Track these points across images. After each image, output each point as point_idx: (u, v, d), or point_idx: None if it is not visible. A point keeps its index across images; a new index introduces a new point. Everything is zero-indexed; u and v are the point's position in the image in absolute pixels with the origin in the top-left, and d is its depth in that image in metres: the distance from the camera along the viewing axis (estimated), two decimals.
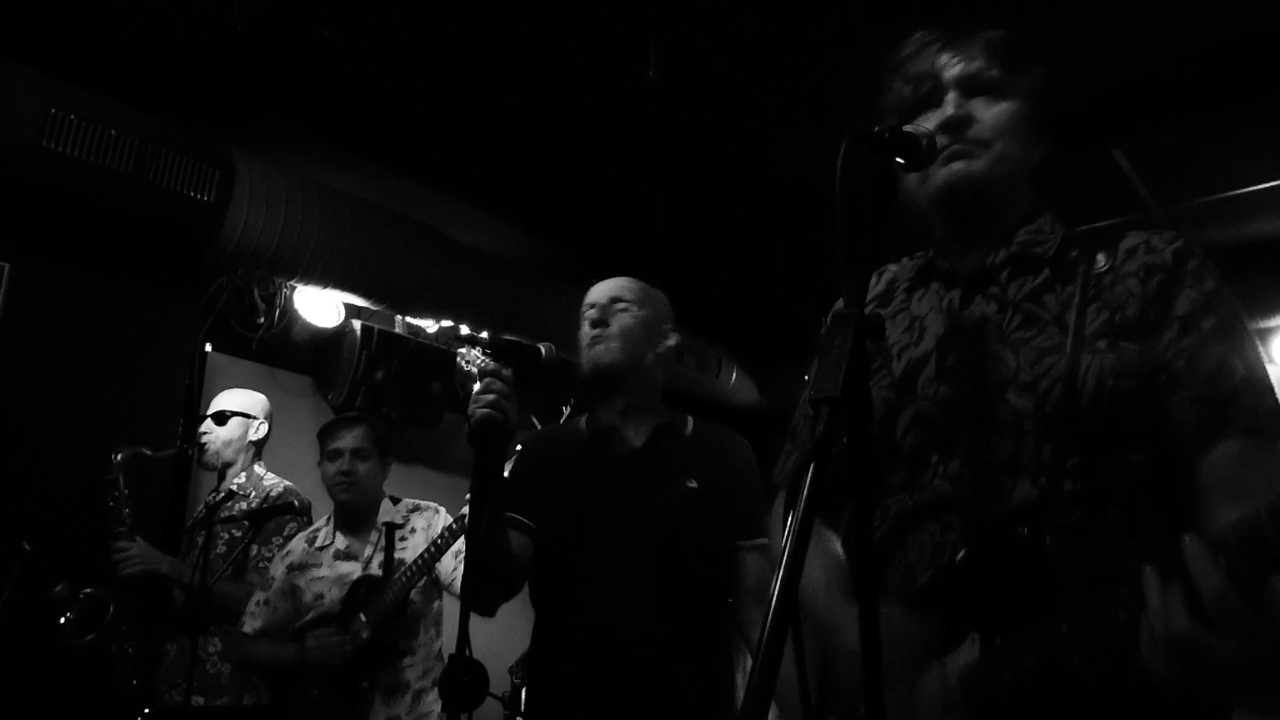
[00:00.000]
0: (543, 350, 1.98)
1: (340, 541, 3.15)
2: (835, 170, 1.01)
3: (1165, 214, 3.98)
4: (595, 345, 2.17)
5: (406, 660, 3.04)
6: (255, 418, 3.51)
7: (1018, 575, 1.13)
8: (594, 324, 2.19)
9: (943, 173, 1.29)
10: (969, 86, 1.30)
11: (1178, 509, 1.16)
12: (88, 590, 3.03)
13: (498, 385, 1.87)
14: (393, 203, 4.08)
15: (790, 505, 0.85)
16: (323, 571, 3.10)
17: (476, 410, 1.86)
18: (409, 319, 4.54)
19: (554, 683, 2.09)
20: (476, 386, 1.89)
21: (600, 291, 2.25)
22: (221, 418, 3.43)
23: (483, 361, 1.91)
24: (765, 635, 0.78)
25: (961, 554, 1.17)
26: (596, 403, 2.24)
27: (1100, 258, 1.27)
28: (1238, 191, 3.81)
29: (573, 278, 4.92)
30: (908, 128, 1.08)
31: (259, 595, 3.13)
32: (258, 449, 3.52)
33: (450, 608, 2.94)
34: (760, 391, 6.08)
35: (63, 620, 2.98)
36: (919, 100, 1.32)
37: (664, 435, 2.19)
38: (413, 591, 3.02)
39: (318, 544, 3.17)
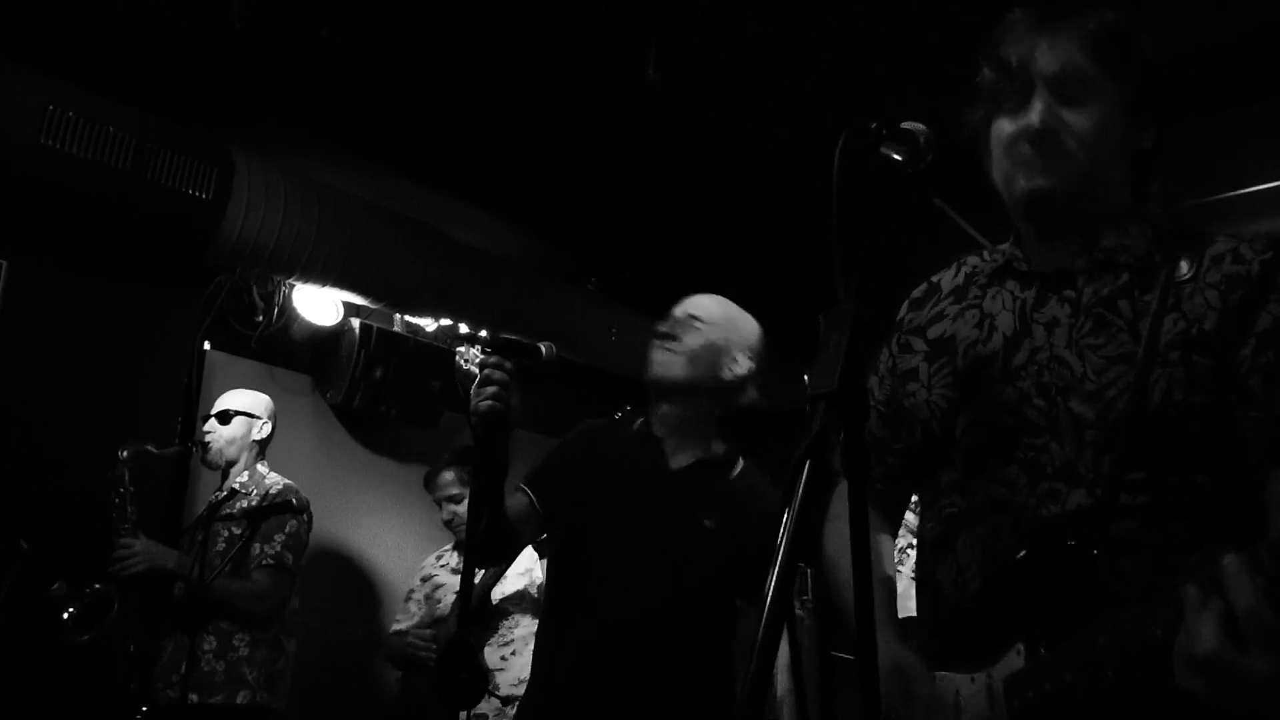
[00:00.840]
0: (543, 349, 1.97)
1: (454, 560, 3.70)
2: (833, 168, 1.00)
3: (1166, 214, 3.97)
4: (657, 354, 2.18)
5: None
6: (259, 417, 3.50)
7: (1066, 586, 1.11)
8: (662, 335, 2.20)
9: (1022, 183, 1.23)
10: (1060, 88, 1.22)
11: (1240, 528, 1.13)
12: (96, 586, 3.02)
13: (499, 375, 1.87)
14: (393, 202, 4.07)
15: (786, 503, 0.84)
16: (444, 580, 3.66)
17: (480, 403, 1.85)
18: (408, 318, 4.53)
19: (552, 665, 2.10)
20: (478, 378, 1.88)
21: (684, 304, 2.26)
22: (225, 417, 3.43)
23: (482, 359, 1.91)
24: (761, 633, 0.78)
25: (1020, 555, 1.15)
26: (650, 407, 2.25)
27: (1183, 265, 1.21)
28: (1238, 191, 3.80)
29: (573, 278, 4.92)
30: (905, 124, 1.05)
31: (403, 606, 3.76)
32: (261, 448, 3.51)
33: None
34: (760, 391, 6.07)
35: (65, 616, 2.97)
36: (1008, 92, 1.25)
37: (703, 470, 2.16)
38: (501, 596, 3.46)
39: (442, 562, 3.74)
